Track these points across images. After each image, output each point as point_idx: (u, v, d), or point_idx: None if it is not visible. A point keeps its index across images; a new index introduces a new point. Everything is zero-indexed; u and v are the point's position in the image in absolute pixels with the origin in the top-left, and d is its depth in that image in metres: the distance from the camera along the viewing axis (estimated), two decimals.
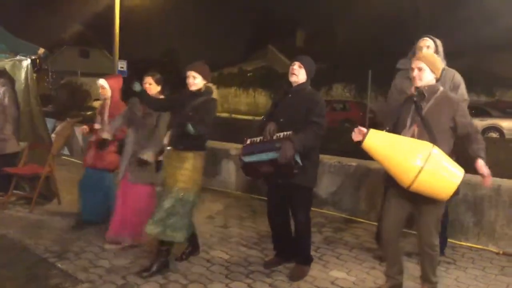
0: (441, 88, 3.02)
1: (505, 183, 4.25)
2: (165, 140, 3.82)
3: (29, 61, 5.44)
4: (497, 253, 4.07)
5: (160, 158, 3.93)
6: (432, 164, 2.70)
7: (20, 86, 5.47)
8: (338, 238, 4.42)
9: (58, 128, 9.75)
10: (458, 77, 3.69)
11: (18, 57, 5.44)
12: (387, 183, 3.08)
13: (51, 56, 35.77)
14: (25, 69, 5.45)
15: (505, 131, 14.92)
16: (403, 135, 2.93)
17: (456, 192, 2.79)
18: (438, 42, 3.69)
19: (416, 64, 3.01)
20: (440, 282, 3.43)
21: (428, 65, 2.98)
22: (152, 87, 4.02)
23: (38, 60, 5.89)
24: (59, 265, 3.58)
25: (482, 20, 20.65)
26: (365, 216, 5.00)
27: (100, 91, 4.50)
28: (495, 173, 5.74)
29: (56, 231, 4.35)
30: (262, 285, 3.33)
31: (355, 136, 2.91)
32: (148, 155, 3.76)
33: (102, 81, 4.47)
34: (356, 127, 2.95)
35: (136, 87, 3.53)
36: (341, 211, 5.21)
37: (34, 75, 5.78)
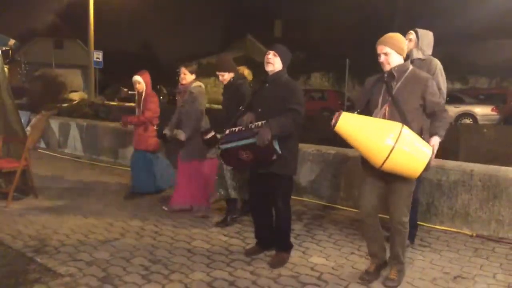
0: (411, 67, 3.09)
1: (478, 167, 4.38)
2: (182, 137, 4.51)
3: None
4: (471, 236, 4.20)
5: (209, 136, 4.36)
6: (403, 144, 2.78)
7: None
8: (318, 225, 4.49)
9: (33, 121, 9.56)
10: (434, 65, 3.77)
11: None
12: (363, 165, 3.16)
13: (24, 48, 34.80)
14: None
15: (478, 117, 15.31)
16: (374, 115, 3.01)
17: (426, 169, 2.86)
18: (423, 34, 3.85)
19: (381, 49, 3.05)
20: (415, 265, 3.55)
21: (393, 48, 3.03)
22: (187, 76, 4.65)
23: (10, 52, 5.74)
24: (38, 259, 3.53)
25: (457, 9, 21.02)
26: (344, 203, 5.09)
27: (136, 86, 5.19)
28: (468, 158, 5.92)
29: (34, 225, 4.29)
30: (243, 273, 3.36)
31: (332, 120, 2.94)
32: (179, 134, 4.52)
33: (137, 77, 5.17)
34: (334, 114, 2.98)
35: (181, 135, 4.49)
36: (320, 199, 5.29)
37: (6, 67, 5.63)
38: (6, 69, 6.14)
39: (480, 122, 14.87)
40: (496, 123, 14.61)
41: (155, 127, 5.19)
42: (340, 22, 27.08)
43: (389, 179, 3.03)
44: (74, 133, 8.82)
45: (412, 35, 3.88)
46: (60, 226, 4.29)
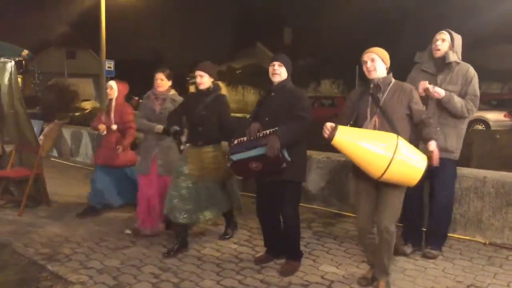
0: (393, 80, 3.15)
1: (491, 174, 4.32)
2: (184, 138, 4.07)
3: (12, 63, 5.38)
4: (484, 244, 4.13)
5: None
6: (400, 154, 2.81)
7: (4, 89, 5.41)
8: (328, 233, 4.47)
9: (46, 130, 9.68)
10: (471, 72, 3.67)
11: (1, 60, 5.38)
12: (355, 174, 3.19)
13: (37, 58, 35.38)
14: (9, 71, 5.39)
15: (490, 123, 15.13)
16: (364, 127, 3.05)
17: (422, 179, 2.90)
18: (456, 36, 3.73)
19: (368, 56, 3.13)
20: (427, 274, 3.50)
21: (380, 56, 3.12)
22: (163, 82, 4.33)
23: (24, 62, 5.84)
24: (49, 267, 3.56)
25: (467, 15, 20.88)
26: (354, 211, 5.04)
27: (108, 91, 4.94)
28: (481, 164, 5.85)
29: (46, 233, 4.33)
30: (253, 281, 3.35)
31: (325, 132, 2.93)
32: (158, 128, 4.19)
33: (112, 82, 4.95)
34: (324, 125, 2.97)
35: (173, 129, 3.93)
36: (330, 206, 5.26)
37: (20, 77, 5.74)
38: (19, 79, 6.24)
39: (493, 128, 14.69)
40: (509, 128, 14.40)
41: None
42: (349, 29, 27.08)
43: (381, 187, 3.05)
44: (86, 141, 8.91)
45: (445, 35, 3.70)
46: (71, 234, 4.33)
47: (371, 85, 3.12)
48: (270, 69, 3.48)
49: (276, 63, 3.45)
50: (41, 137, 9.30)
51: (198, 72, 3.85)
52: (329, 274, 3.49)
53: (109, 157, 4.86)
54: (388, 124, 2.99)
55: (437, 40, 3.71)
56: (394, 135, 2.88)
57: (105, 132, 4.85)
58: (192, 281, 3.35)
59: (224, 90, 4.27)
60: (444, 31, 3.74)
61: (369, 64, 3.11)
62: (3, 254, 3.84)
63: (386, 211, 3.07)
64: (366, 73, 3.15)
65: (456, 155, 3.75)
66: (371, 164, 2.86)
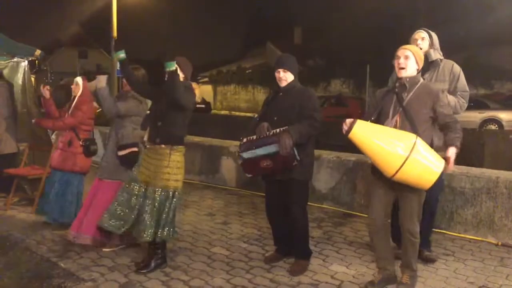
0: (421, 80, 3.10)
1: (503, 174, 4.27)
2: (145, 137, 3.65)
3: (26, 62, 5.45)
4: (496, 245, 4.09)
5: (125, 152, 3.87)
6: (416, 154, 2.77)
7: (18, 88, 5.49)
8: (338, 232, 4.45)
9: None
10: (457, 68, 3.69)
11: (15, 59, 5.45)
12: (373, 174, 3.15)
13: (50, 57, 35.77)
14: (22, 70, 5.46)
15: (503, 123, 14.95)
16: (385, 125, 3.00)
17: (438, 182, 2.85)
18: (433, 34, 3.70)
19: (402, 52, 3.05)
20: (439, 274, 3.47)
21: (414, 55, 3.04)
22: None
23: (37, 61, 5.90)
24: (61, 264, 3.60)
25: (480, 13, 20.63)
26: (364, 211, 5.01)
27: (72, 86, 4.47)
28: (494, 164, 5.79)
29: (58, 231, 4.38)
30: (263, 280, 3.35)
31: (344, 126, 2.92)
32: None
33: (78, 79, 4.47)
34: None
35: (120, 54, 3.49)
36: (340, 206, 5.24)
37: (33, 76, 5.79)
38: (32, 79, 6.31)
39: (506, 128, 14.51)
40: None
41: (81, 142, 4.38)
42: (360, 28, 26.90)
43: (399, 189, 3.01)
44: (97, 140, 8.94)
45: (424, 33, 3.67)
46: None
47: (397, 84, 3.07)
48: (276, 75, 3.48)
49: (281, 70, 3.45)
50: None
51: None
52: (339, 274, 3.48)
53: (59, 159, 4.42)
54: (409, 125, 2.93)
55: (417, 39, 3.65)
56: (413, 135, 2.84)
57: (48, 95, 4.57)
58: (202, 279, 3.36)
59: (197, 91, 3.93)
60: (421, 30, 3.71)
61: (401, 60, 3.04)
62: (16, 251, 3.89)
63: (406, 214, 3.06)
64: (396, 69, 3.09)
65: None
66: (385, 161, 2.84)
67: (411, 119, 2.94)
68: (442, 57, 3.71)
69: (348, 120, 2.91)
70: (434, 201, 3.69)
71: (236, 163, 6.00)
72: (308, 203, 3.67)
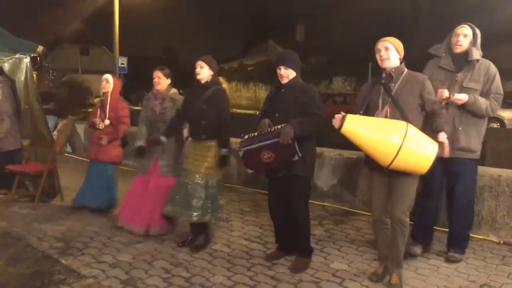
0: (406, 70, 3.13)
1: (506, 173, 4.26)
2: (185, 133, 4.08)
3: (28, 59, 5.44)
4: (498, 243, 4.08)
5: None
6: (410, 142, 2.80)
7: (20, 84, 5.48)
8: (339, 230, 4.45)
9: (60, 126, 9.77)
10: (493, 69, 3.52)
11: (17, 56, 5.44)
12: (367, 165, 3.18)
13: (52, 54, 35.77)
14: (25, 67, 5.45)
15: (505, 122, 14.92)
16: (376, 116, 3.04)
17: (432, 167, 2.87)
18: (478, 32, 3.52)
19: (382, 44, 3.11)
20: (440, 273, 3.47)
21: (393, 44, 3.10)
22: (161, 81, 4.22)
23: (38, 58, 5.89)
24: (62, 261, 3.61)
25: (482, 12, 20.55)
26: (366, 208, 5.02)
27: (103, 84, 4.81)
28: (496, 163, 5.77)
29: (60, 227, 4.39)
30: (264, 278, 3.35)
31: (334, 122, 2.96)
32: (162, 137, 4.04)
33: (108, 76, 4.87)
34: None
35: (163, 139, 3.99)
36: (342, 204, 5.23)
37: (35, 73, 5.78)
38: (34, 75, 6.31)
39: (508, 127, 14.48)
40: None
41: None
42: (362, 26, 26.87)
43: (394, 176, 3.04)
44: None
45: (467, 30, 3.47)
46: (84, 228, 4.38)
47: (383, 75, 3.11)
48: (278, 71, 3.47)
49: (282, 68, 3.44)
50: (55, 132, 9.40)
51: (199, 63, 3.81)
52: (340, 271, 3.48)
53: (97, 151, 4.84)
54: (399, 114, 2.98)
55: (459, 35, 3.50)
56: (404, 123, 2.87)
57: (103, 126, 4.77)
58: (203, 277, 3.36)
59: (225, 84, 4.13)
60: (466, 25, 3.51)
61: (382, 52, 3.10)
62: (17, 248, 3.89)
63: (398, 202, 3.07)
64: (379, 62, 3.13)
65: (478, 154, 3.63)
66: (380, 151, 2.86)
67: (401, 108, 2.99)
68: (479, 57, 3.51)
69: (338, 116, 2.94)
70: (466, 203, 3.68)
71: (238, 160, 5.99)
72: (310, 200, 3.66)
